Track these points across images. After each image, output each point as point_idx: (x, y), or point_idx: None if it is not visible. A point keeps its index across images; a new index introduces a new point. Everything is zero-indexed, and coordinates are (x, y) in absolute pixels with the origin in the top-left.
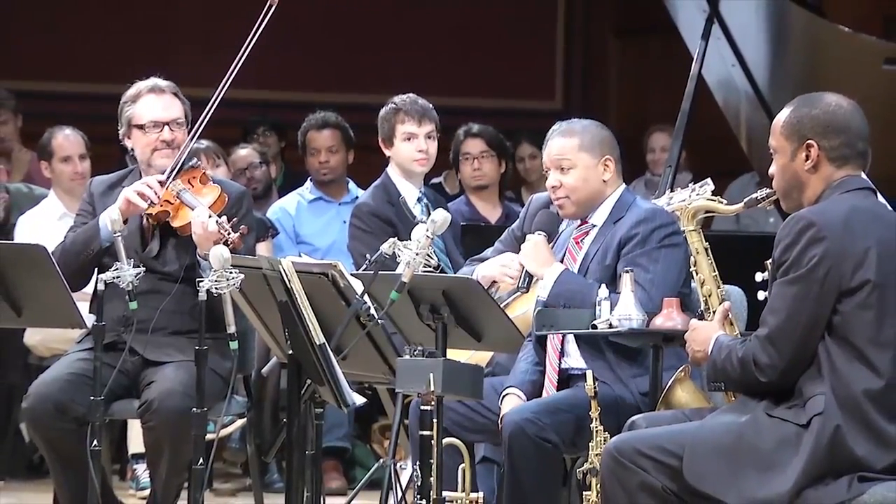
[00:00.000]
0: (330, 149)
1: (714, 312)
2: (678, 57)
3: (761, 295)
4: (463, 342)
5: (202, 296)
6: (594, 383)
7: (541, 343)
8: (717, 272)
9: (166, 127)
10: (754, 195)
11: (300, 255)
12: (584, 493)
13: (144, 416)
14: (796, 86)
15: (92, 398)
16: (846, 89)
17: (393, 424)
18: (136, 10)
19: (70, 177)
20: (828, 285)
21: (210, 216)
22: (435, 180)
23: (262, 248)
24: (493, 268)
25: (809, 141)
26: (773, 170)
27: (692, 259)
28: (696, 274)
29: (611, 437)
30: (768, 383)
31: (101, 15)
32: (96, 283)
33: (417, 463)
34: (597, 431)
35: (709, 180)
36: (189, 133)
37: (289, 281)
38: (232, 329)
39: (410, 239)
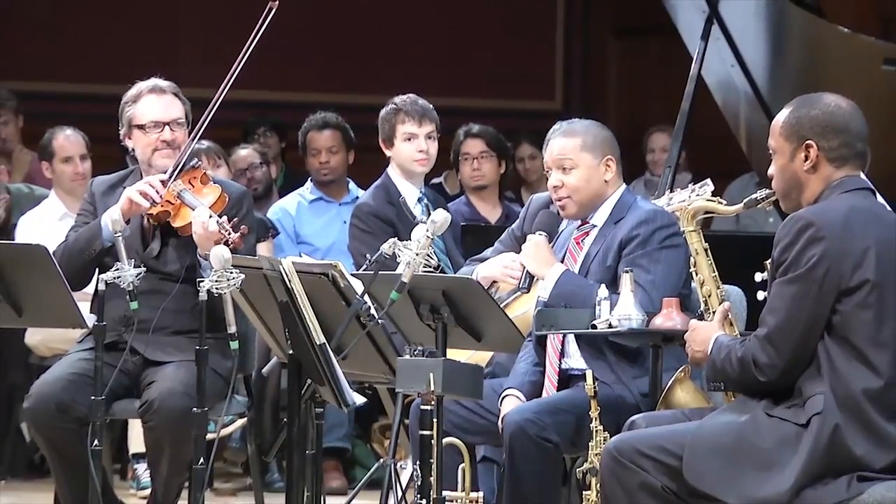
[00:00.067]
0: (330, 149)
1: (714, 313)
2: (678, 57)
3: (761, 295)
4: (463, 342)
5: (203, 296)
6: (594, 383)
7: (541, 343)
8: (716, 272)
9: (167, 127)
10: (754, 196)
11: (300, 256)
12: (584, 492)
13: (145, 416)
14: (795, 86)
15: (93, 398)
16: (845, 90)
17: (393, 424)
18: (138, 10)
19: (71, 177)
20: (827, 285)
21: (211, 216)
22: (435, 180)
23: (263, 249)
24: (495, 268)
25: (808, 141)
26: (772, 170)
27: (692, 259)
28: (696, 274)
29: (611, 436)
30: (768, 383)
31: (103, 16)
32: (97, 282)
33: (417, 462)
34: (596, 431)
35: (708, 181)
36: (190, 133)
37: (289, 281)
38: (232, 329)
39: (410, 239)
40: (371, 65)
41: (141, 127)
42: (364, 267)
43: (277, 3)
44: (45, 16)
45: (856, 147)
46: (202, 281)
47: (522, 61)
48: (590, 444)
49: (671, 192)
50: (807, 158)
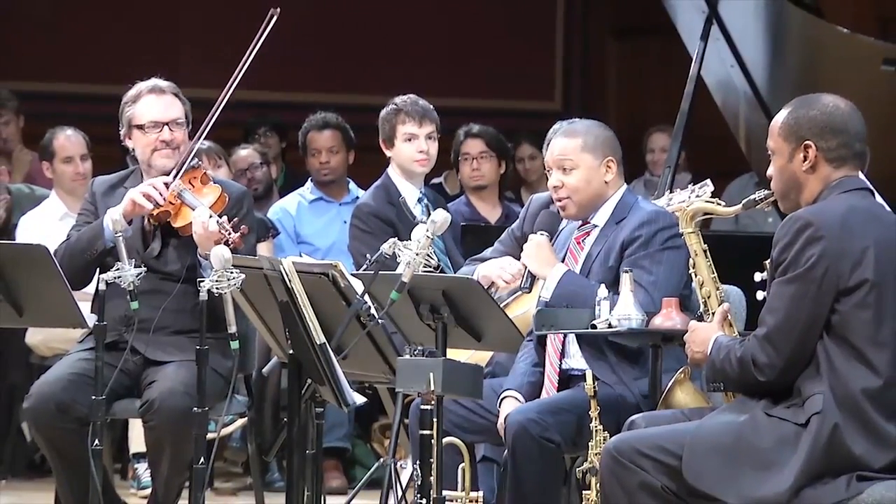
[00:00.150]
0: (330, 149)
1: (713, 314)
2: (677, 58)
3: (760, 295)
4: (463, 342)
5: (203, 296)
6: (594, 383)
7: (541, 343)
8: (715, 274)
9: (166, 127)
10: (753, 196)
11: (301, 256)
12: (584, 492)
13: (146, 416)
14: (795, 86)
15: (93, 398)
16: (844, 90)
17: (393, 424)
18: (138, 10)
19: (71, 177)
20: (826, 285)
21: (211, 216)
22: (435, 181)
23: (263, 249)
24: (492, 269)
25: (807, 142)
26: (771, 171)
27: (691, 261)
28: (695, 276)
29: (611, 436)
30: (767, 383)
31: (103, 16)
32: (98, 282)
33: (417, 462)
34: (596, 431)
35: (708, 181)
36: (190, 133)
37: (289, 281)
38: (233, 329)
39: (410, 239)
40: (371, 65)
41: (140, 127)
42: (364, 267)
43: (279, 11)
44: (45, 16)
45: (854, 147)
46: (202, 281)
47: (522, 61)
48: (590, 443)
49: (671, 192)
50: (805, 159)
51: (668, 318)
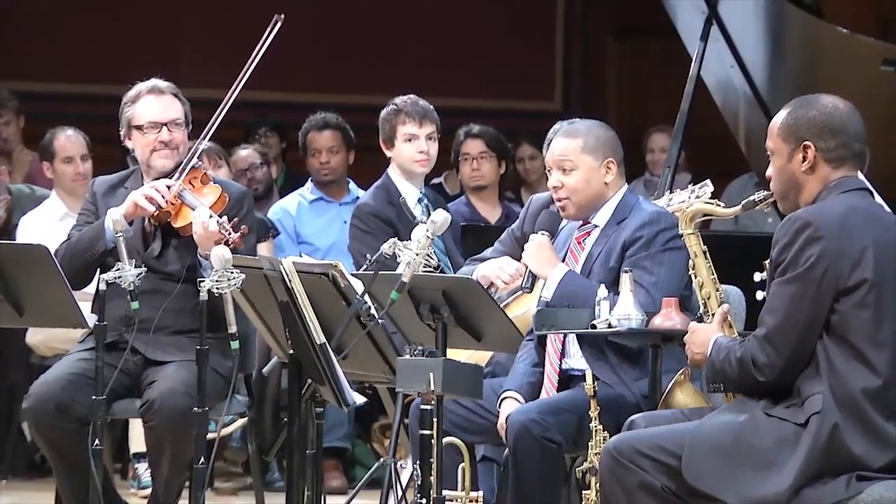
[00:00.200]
0: (331, 149)
1: (713, 315)
2: (677, 58)
3: (760, 295)
4: (463, 342)
5: (203, 296)
6: (594, 383)
7: (541, 343)
8: (715, 275)
9: (164, 128)
10: (752, 197)
11: (301, 256)
12: (584, 492)
13: (146, 416)
14: (794, 86)
15: (94, 397)
16: (844, 90)
17: (393, 424)
18: (137, 10)
19: (72, 177)
20: (825, 285)
21: (211, 216)
22: (435, 181)
23: (263, 249)
24: (490, 269)
25: (806, 142)
26: (770, 172)
27: (690, 262)
28: (695, 277)
29: (610, 436)
30: (767, 383)
31: (103, 16)
32: (98, 282)
33: (417, 462)
34: (596, 431)
35: (708, 181)
36: (191, 135)
37: (289, 281)
38: (233, 329)
39: (411, 239)
40: (371, 65)
41: (139, 128)
42: (364, 267)
43: (283, 16)
44: (45, 16)
45: (853, 147)
46: (203, 281)
47: (522, 62)
48: (589, 443)
49: (671, 192)
50: (804, 159)
51: (668, 318)
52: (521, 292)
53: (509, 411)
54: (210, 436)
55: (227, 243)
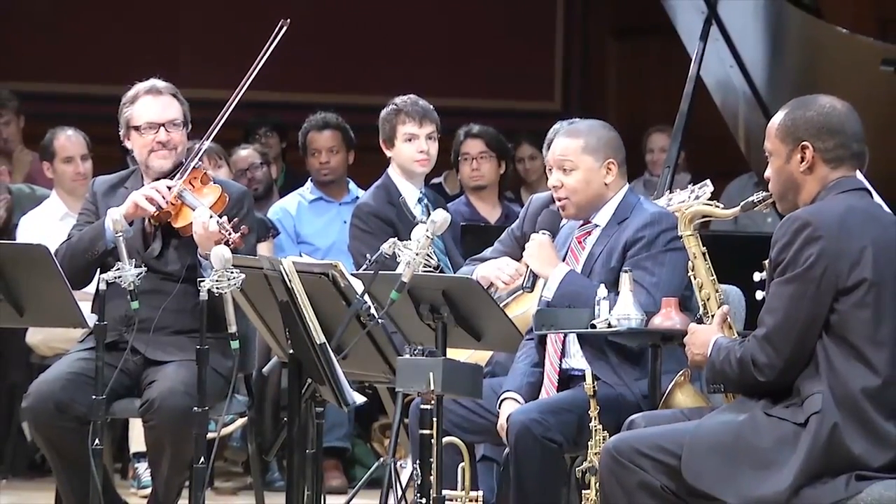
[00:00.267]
0: (330, 149)
1: (713, 316)
2: (677, 58)
3: (759, 295)
4: (463, 342)
5: (203, 295)
6: (594, 382)
7: (541, 342)
8: (714, 276)
9: (162, 128)
10: (751, 198)
11: (301, 255)
12: (584, 492)
13: (146, 416)
14: (794, 86)
15: (94, 397)
16: (843, 90)
17: (393, 423)
18: (137, 10)
19: (72, 177)
20: (824, 284)
21: (211, 216)
22: (435, 181)
23: (263, 249)
24: (490, 270)
25: (804, 143)
26: (768, 173)
27: (690, 263)
28: (694, 278)
29: (610, 436)
30: (767, 383)
31: (103, 16)
32: (98, 282)
33: (417, 462)
34: (596, 430)
35: (708, 181)
36: (192, 136)
37: (289, 281)
38: (233, 328)
39: (410, 239)
40: (371, 65)
41: (137, 128)
42: (364, 267)
43: (289, 22)
44: (44, 16)
45: (851, 148)
46: (203, 281)
47: (522, 62)
48: (589, 443)
49: (670, 192)
50: (803, 160)
51: (668, 317)
52: (521, 292)
53: (509, 412)
54: (210, 435)
55: (227, 243)
